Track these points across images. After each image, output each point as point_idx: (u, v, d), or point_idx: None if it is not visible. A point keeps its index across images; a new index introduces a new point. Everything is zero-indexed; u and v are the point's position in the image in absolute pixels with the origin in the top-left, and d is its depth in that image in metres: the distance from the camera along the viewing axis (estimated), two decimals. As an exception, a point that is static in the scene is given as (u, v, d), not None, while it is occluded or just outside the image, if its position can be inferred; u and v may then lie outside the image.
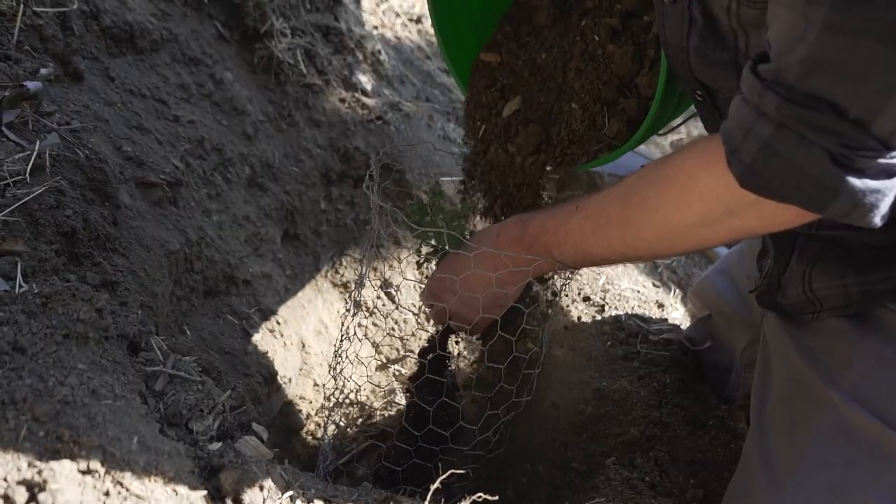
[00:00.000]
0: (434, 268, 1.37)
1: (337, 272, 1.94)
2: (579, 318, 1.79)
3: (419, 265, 1.37)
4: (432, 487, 0.89)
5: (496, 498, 0.89)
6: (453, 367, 1.42)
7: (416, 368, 1.45)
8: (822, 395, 1.02)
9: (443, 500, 0.97)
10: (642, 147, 2.81)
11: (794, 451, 1.03)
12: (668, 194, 0.94)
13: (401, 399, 1.78)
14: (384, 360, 1.84)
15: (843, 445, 0.99)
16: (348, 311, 1.40)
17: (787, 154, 0.76)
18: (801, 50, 0.71)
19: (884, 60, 0.68)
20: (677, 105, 1.14)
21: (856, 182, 0.74)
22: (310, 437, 1.68)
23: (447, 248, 1.27)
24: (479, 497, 0.89)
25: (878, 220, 0.78)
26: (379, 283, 1.94)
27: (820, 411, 1.01)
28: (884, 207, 0.77)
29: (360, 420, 1.71)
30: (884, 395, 0.97)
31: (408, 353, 1.87)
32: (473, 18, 1.34)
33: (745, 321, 1.45)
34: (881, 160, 0.74)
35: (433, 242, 1.31)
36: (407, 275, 1.92)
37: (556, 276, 1.38)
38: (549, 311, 1.43)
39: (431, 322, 1.45)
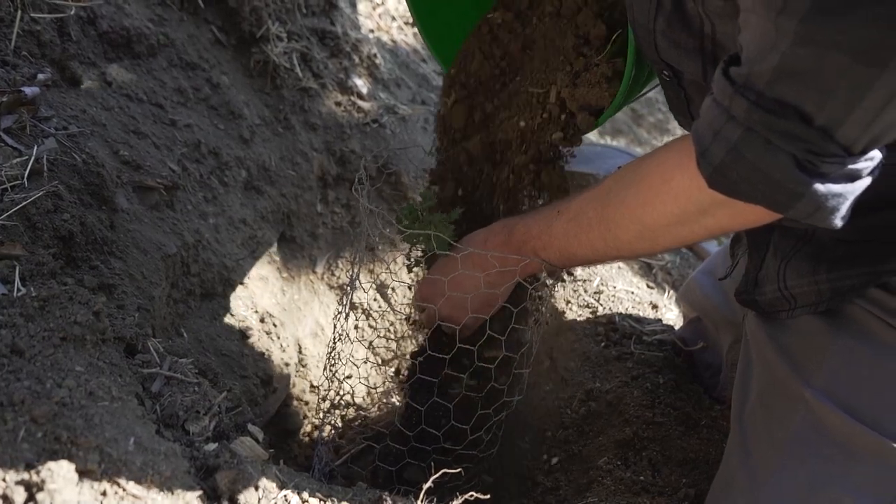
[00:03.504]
0: (425, 272, 1.39)
1: (333, 275, 1.95)
2: (573, 318, 1.80)
3: (409, 269, 1.39)
4: (424, 487, 0.90)
5: (488, 496, 0.90)
6: (445, 369, 1.43)
7: (408, 371, 1.46)
8: (796, 392, 1.03)
9: (435, 499, 0.99)
10: (635, 148, 2.83)
11: (772, 450, 1.05)
12: (644, 195, 0.96)
13: (397, 400, 1.79)
14: (379, 362, 1.85)
15: (816, 442, 1.01)
16: (341, 312, 1.42)
17: (754, 158, 0.78)
18: (773, 58, 0.73)
19: (850, 73, 0.69)
20: (647, 78, 1.16)
21: (819, 186, 0.77)
22: (306, 439, 1.69)
23: (436, 251, 1.28)
24: (471, 496, 0.90)
25: (838, 222, 0.81)
26: (373, 284, 1.94)
27: (794, 410, 1.03)
28: (844, 210, 0.80)
29: (357, 422, 1.72)
30: (854, 391, 0.99)
31: (401, 355, 1.88)
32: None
33: (729, 321, 1.47)
34: (844, 166, 0.77)
35: (423, 247, 1.32)
36: (402, 277, 1.93)
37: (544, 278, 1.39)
38: (543, 311, 1.44)
39: (422, 325, 1.46)
